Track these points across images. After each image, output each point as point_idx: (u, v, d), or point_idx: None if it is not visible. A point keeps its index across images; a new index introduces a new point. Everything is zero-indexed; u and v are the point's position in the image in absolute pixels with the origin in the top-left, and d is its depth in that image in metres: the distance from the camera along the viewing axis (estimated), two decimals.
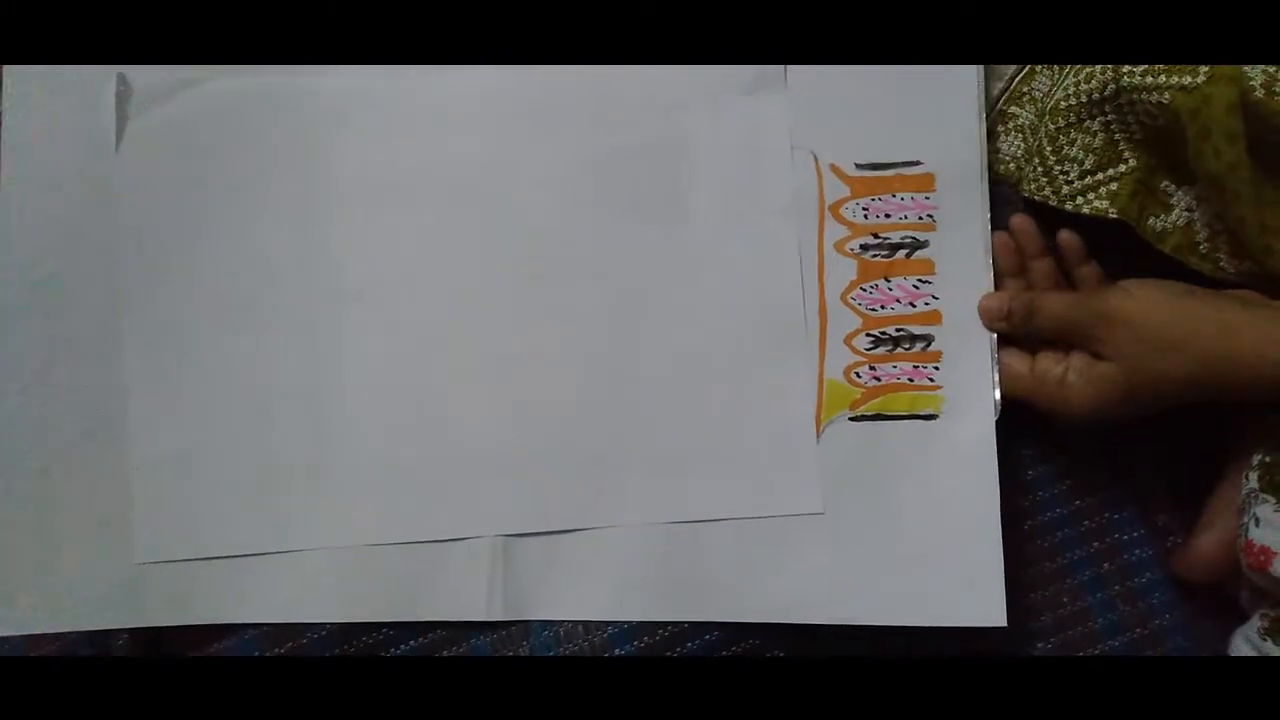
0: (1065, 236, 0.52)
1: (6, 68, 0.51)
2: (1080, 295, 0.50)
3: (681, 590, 0.50)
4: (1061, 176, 0.51)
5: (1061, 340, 0.49)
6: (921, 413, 0.51)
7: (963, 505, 0.50)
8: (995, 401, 0.51)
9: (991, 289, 0.52)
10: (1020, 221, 0.52)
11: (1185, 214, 0.49)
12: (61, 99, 0.51)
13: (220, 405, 0.51)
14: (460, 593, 0.51)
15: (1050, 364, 0.49)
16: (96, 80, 0.51)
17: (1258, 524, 0.46)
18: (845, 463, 0.51)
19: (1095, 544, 0.53)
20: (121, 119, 0.51)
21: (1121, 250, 0.51)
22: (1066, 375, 0.48)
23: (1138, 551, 0.53)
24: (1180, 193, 0.49)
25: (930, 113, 0.52)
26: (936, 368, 0.52)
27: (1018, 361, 0.51)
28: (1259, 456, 0.47)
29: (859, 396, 0.52)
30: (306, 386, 0.51)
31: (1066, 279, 0.52)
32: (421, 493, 0.51)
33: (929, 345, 0.52)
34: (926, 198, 0.52)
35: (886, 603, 0.49)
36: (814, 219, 0.52)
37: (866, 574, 0.50)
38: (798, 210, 0.52)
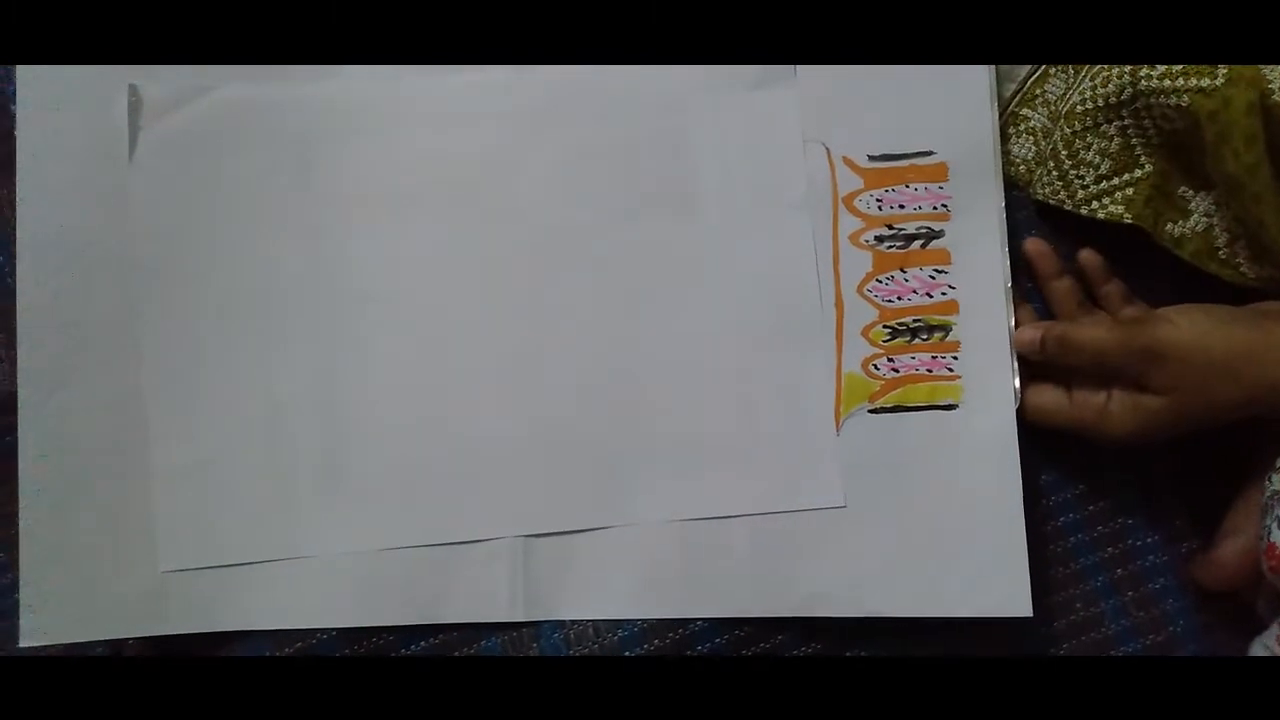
0: (1087, 256, 0.51)
1: (21, 75, 0.51)
2: (1120, 328, 0.47)
3: (704, 586, 0.50)
4: (1077, 181, 0.51)
5: (1100, 372, 0.48)
6: (941, 403, 0.51)
7: (985, 494, 0.50)
8: (1015, 389, 0.50)
9: (1008, 277, 0.51)
10: (1034, 245, 0.52)
11: (1204, 219, 0.49)
12: (75, 110, 0.51)
13: (238, 411, 0.51)
14: (481, 594, 0.50)
15: (1089, 393, 0.48)
16: (109, 90, 0.51)
17: None
18: (866, 455, 0.51)
19: (1109, 549, 0.52)
20: (134, 129, 0.51)
21: (1137, 256, 0.51)
22: (1109, 405, 0.47)
23: (1151, 557, 0.52)
24: (1199, 198, 0.49)
25: (942, 102, 0.51)
26: (955, 357, 0.51)
27: (1053, 393, 0.49)
28: None
29: (878, 389, 0.51)
30: (322, 391, 0.51)
31: (1089, 298, 0.52)
32: (439, 495, 0.50)
33: (947, 335, 0.52)
34: (940, 187, 0.52)
35: (910, 595, 0.49)
36: (828, 212, 0.52)
37: (890, 566, 0.49)
38: (811, 203, 0.52)
